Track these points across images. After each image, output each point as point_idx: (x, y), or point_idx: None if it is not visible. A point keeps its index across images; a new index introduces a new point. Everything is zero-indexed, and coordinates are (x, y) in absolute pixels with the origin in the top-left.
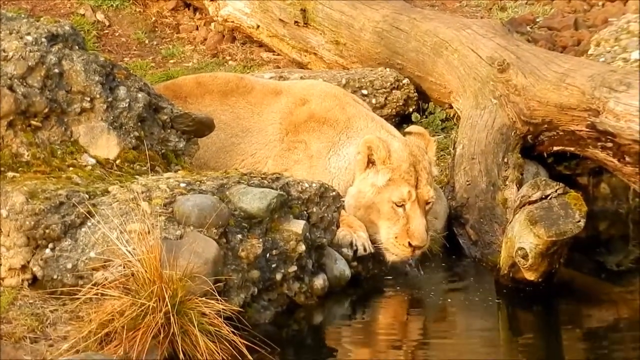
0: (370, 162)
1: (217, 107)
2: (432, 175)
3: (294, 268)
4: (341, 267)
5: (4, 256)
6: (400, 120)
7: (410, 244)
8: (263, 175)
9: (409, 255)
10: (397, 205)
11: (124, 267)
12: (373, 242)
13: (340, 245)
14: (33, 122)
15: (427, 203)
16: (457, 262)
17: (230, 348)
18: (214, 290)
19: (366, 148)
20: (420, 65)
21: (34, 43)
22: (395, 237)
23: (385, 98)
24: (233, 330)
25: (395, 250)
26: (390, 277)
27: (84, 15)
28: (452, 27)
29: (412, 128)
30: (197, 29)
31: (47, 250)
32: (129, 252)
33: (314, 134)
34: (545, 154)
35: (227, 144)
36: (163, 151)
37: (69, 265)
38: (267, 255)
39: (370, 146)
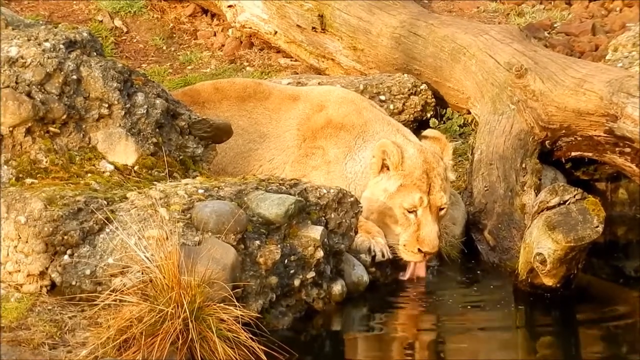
0: (384, 166)
1: (234, 113)
2: (447, 181)
3: (312, 274)
4: (359, 273)
5: (23, 262)
6: (418, 126)
7: (420, 250)
8: (281, 181)
9: (420, 260)
10: (409, 211)
11: (142, 273)
12: (389, 247)
13: (359, 251)
14: (51, 129)
15: (441, 209)
16: (475, 267)
17: (249, 354)
18: (232, 296)
19: (381, 152)
20: (437, 70)
21: (52, 50)
22: (404, 245)
23: (403, 104)
24: (251, 336)
25: (405, 256)
26: (409, 284)
27: (101, 21)
28: (470, 33)
29: (428, 132)
30: (214, 35)
31: (66, 257)
32: (147, 258)
33: (331, 139)
34: (563, 160)
35: (244, 149)
36: (181, 157)
37: (88, 272)
38: (285, 261)
39: (384, 150)
